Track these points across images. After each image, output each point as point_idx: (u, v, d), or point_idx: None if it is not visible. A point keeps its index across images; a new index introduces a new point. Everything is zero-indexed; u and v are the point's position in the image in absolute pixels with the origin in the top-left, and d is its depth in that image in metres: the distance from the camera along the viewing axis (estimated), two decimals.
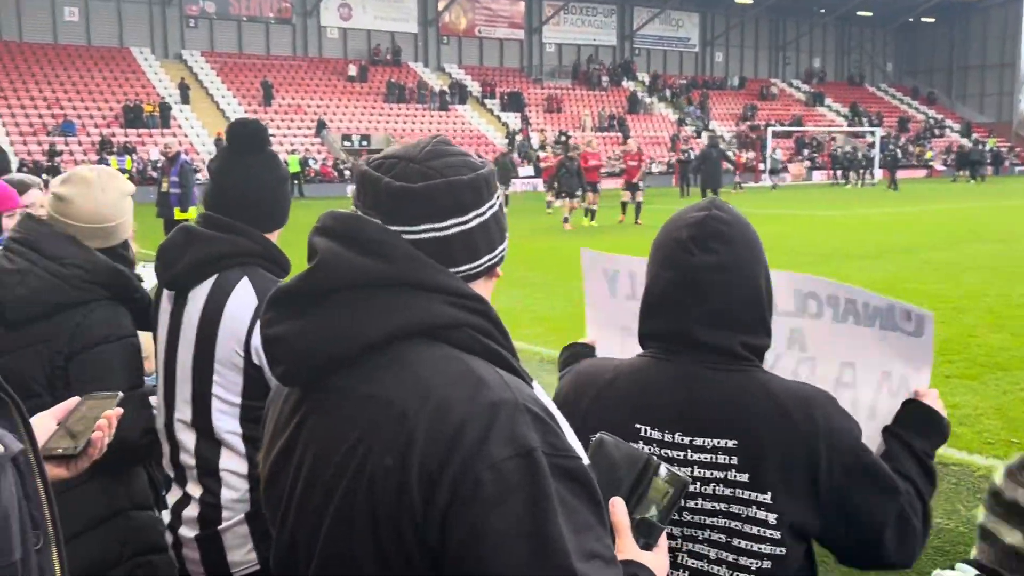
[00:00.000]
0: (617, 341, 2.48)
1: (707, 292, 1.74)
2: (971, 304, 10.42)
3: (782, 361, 2.29)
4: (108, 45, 46.12)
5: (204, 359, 2.43)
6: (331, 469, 1.29)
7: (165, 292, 2.57)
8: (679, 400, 1.75)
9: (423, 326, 1.28)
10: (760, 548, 1.72)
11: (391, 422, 1.24)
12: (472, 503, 1.18)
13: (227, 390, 2.43)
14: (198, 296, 2.46)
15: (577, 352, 2.43)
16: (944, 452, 5.73)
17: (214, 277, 2.46)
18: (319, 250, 1.33)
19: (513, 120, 50.96)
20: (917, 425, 2.03)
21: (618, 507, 1.40)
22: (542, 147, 41.63)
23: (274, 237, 2.60)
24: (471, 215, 1.34)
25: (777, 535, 1.71)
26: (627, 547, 1.38)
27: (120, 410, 1.84)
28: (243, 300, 2.41)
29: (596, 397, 1.86)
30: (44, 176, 24.97)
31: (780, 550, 1.71)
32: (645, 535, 1.40)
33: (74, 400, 1.78)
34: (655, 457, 1.48)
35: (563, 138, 42.24)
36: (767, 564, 1.72)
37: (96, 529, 2.52)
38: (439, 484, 1.19)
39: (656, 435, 1.76)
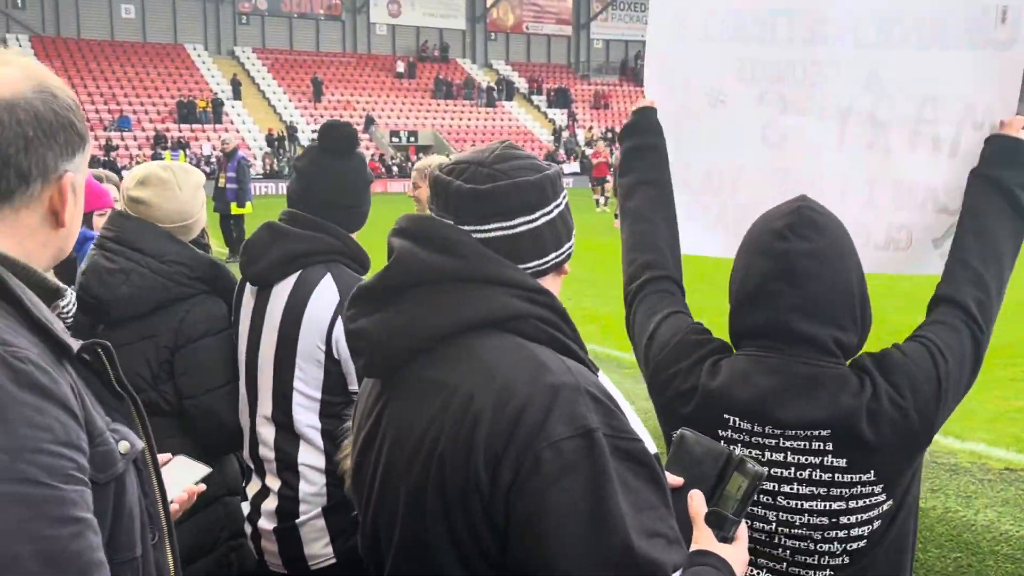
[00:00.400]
0: (678, 95, 2.37)
1: (803, 279, 1.75)
2: None
3: (859, 102, 2.23)
4: (163, 42, 46.94)
5: (286, 353, 2.46)
6: (406, 454, 1.35)
7: (248, 287, 2.61)
8: (770, 393, 1.76)
9: (491, 318, 1.35)
10: (870, 514, 1.75)
11: (459, 405, 1.30)
12: (533, 480, 1.23)
13: (308, 385, 2.46)
14: (281, 291, 2.50)
15: (634, 125, 2.34)
16: (1010, 458, 5.63)
17: (298, 273, 2.49)
18: (395, 249, 1.42)
19: (560, 116, 50.89)
20: (1006, 157, 2.02)
21: (696, 499, 1.43)
22: (588, 143, 41.51)
23: (354, 236, 2.63)
24: (538, 214, 1.41)
25: (883, 497, 1.75)
26: (704, 537, 1.39)
27: (203, 487, 1.92)
28: (326, 296, 2.45)
29: (693, 388, 1.86)
30: (100, 169, 25.43)
31: (889, 504, 1.75)
32: (716, 526, 1.41)
33: (166, 456, 1.81)
34: (736, 451, 1.49)
35: (609, 135, 42.08)
36: (878, 523, 1.76)
37: (197, 515, 2.59)
38: (502, 463, 1.24)
39: (746, 426, 1.78)
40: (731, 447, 1.52)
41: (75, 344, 1.27)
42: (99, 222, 3.79)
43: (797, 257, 1.76)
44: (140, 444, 1.33)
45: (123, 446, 1.26)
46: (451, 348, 1.35)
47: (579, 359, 1.38)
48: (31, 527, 1.06)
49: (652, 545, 1.21)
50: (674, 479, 1.46)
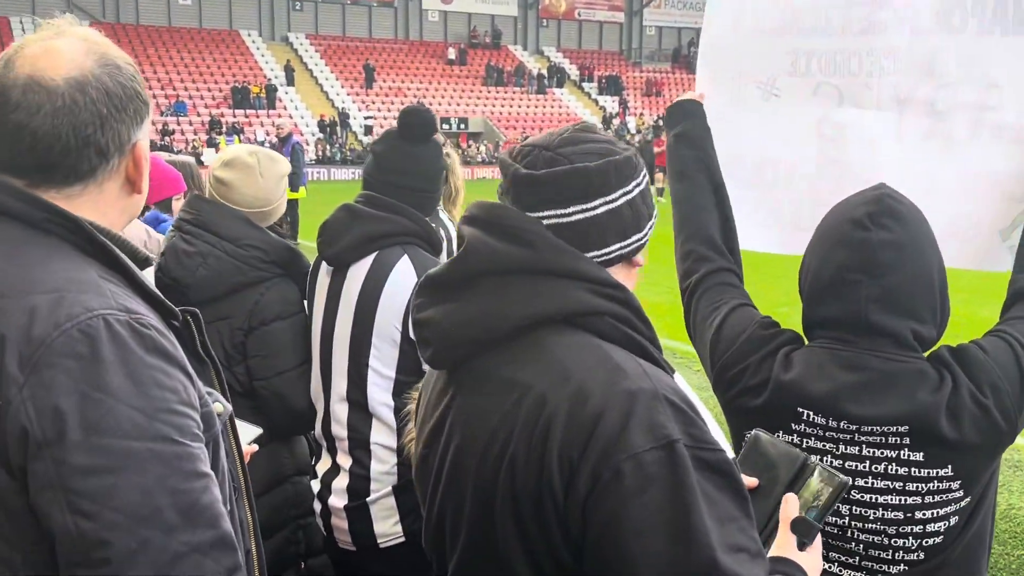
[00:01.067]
0: (731, 88, 2.36)
1: (882, 270, 1.71)
2: None
3: (918, 91, 2.19)
4: (218, 28, 47.54)
5: (363, 332, 2.50)
6: (475, 453, 1.32)
7: (323, 267, 2.66)
8: (846, 388, 1.73)
9: (563, 313, 1.30)
10: (947, 510, 1.71)
11: (531, 407, 1.26)
12: (613, 494, 1.18)
13: (382, 363, 2.50)
14: (358, 272, 2.54)
15: (680, 112, 2.31)
16: None
17: (374, 254, 2.53)
18: (466, 238, 1.37)
19: (611, 104, 50.62)
20: None
21: (791, 503, 1.40)
22: (638, 131, 41.25)
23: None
24: (597, 202, 1.35)
25: (961, 493, 1.71)
26: (784, 544, 1.37)
27: (255, 447, 1.98)
28: (404, 276, 2.49)
29: (764, 381, 1.83)
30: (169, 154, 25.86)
31: (967, 501, 1.72)
32: (802, 534, 1.39)
33: None
34: (813, 457, 1.47)
35: (661, 122, 41.74)
36: (955, 519, 1.72)
37: (268, 494, 2.66)
38: (579, 473, 1.20)
39: (820, 420, 1.75)
40: (808, 454, 1.50)
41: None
42: (177, 207, 3.87)
43: (877, 247, 1.71)
44: (230, 407, 1.40)
45: (217, 407, 1.33)
46: (521, 343, 1.31)
47: (654, 360, 1.33)
48: (169, 482, 1.13)
49: (737, 560, 1.17)
50: (748, 480, 1.43)
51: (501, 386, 1.31)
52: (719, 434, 1.35)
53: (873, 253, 1.72)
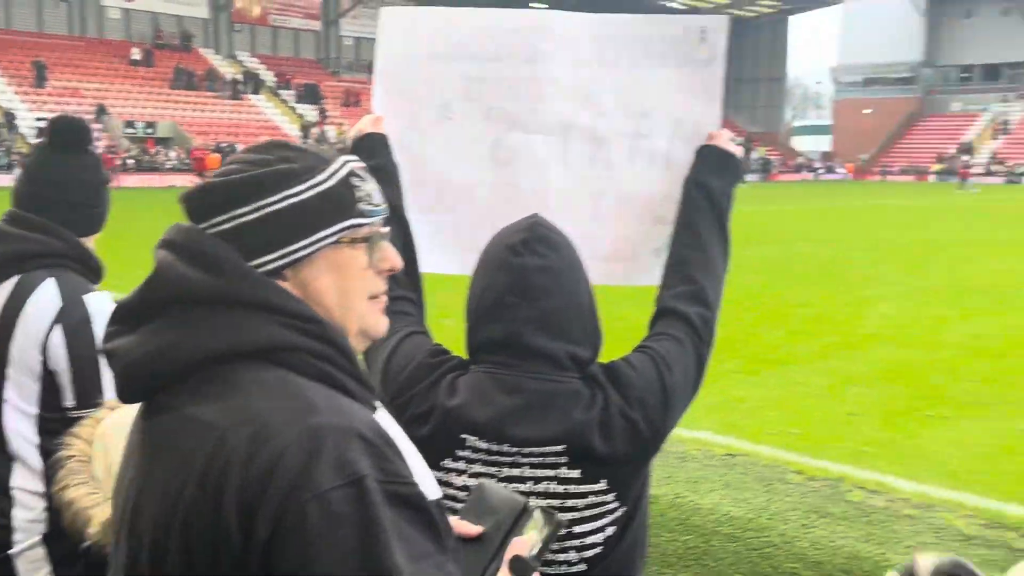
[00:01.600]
0: (408, 113, 2.36)
1: (537, 294, 1.79)
2: (751, 303, 11.20)
3: (579, 118, 2.32)
4: None
5: None
6: (155, 494, 1.22)
7: None
8: (508, 412, 1.77)
9: (254, 347, 1.23)
10: (604, 521, 1.79)
11: (209, 447, 1.17)
12: (297, 536, 1.12)
13: (22, 398, 2.27)
14: None
15: (363, 147, 2.24)
16: (731, 444, 6.14)
17: (16, 278, 2.30)
18: (156, 262, 1.28)
19: (310, 112, 49.92)
20: (714, 166, 2.19)
21: (518, 545, 1.41)
22: (341, 140, 41.04)
23: (90, 242, 2.45)
24: (220, 217, 1.26)
25: (616, 504, 1.80)
26: None
27: None
28: (45, 301, 2.26)
29: (430, 409, 1.83)
30: None
31: (623, 511, 1.80)
32: (519, 572, 1.41)
33: None
34: (531, 503, 1.49)
35: None
36: (612, 528, 1.80)
37: None
38: (258, 515, 1.12)
39: (483, 445, 1.78)
40: (527, 499, 1.52)
41: None
42: None
43: (532, 272, 1.79)
44: None
45: None
46: (209, 378, 1.22)
47: (352, 395, 1.26)
48: None
49: None
50: (473, 528, 1.43)
51: (184, 424, 1.21)
52: (423, 469, 1.30)
53: (529, 278, 1.79)
